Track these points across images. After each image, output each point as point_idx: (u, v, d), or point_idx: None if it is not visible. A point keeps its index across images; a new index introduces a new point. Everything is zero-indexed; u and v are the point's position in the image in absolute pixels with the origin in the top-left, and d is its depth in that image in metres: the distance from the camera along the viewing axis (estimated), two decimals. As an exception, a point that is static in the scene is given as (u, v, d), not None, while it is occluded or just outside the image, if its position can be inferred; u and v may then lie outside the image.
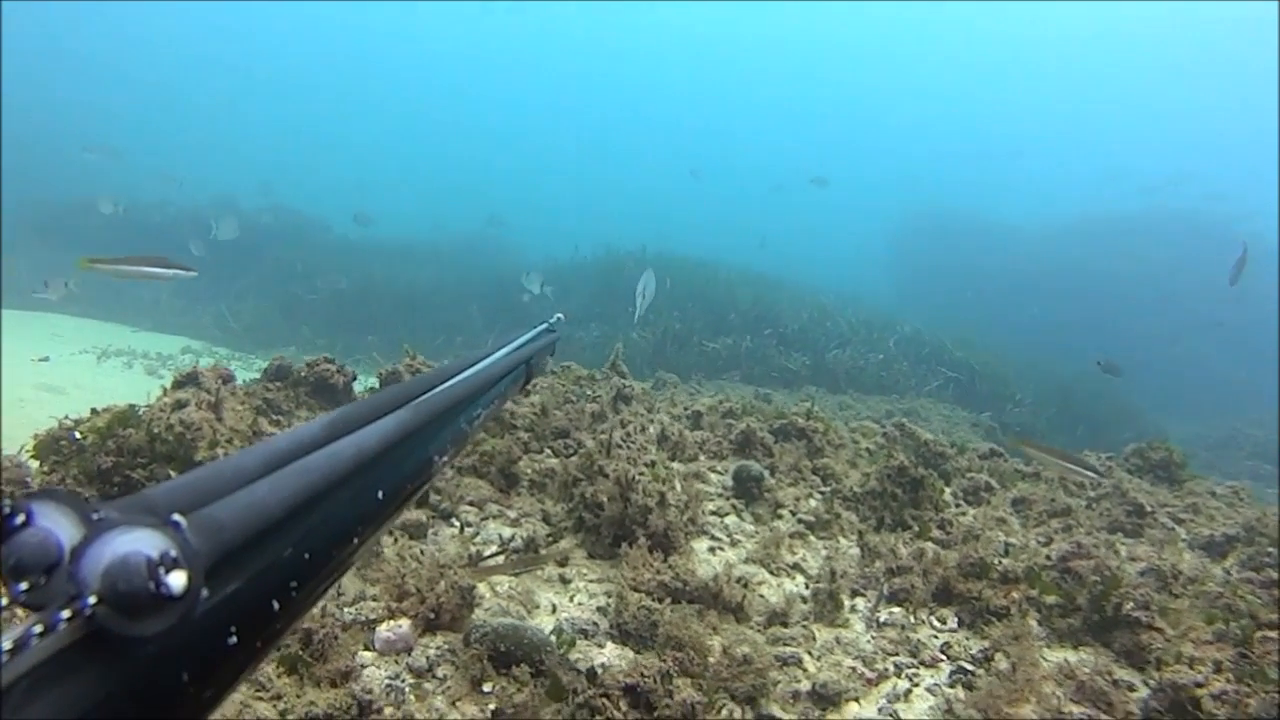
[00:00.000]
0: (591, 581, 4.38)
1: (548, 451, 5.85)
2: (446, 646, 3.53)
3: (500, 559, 4.41)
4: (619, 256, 21.39)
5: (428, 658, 3.47)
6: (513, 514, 4.99)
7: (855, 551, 5.14)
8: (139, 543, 0.51)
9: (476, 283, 21.72)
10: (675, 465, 5.91)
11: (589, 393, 7.06)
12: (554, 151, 69.15)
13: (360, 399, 1.08)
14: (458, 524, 4.75)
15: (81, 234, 22.96)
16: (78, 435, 4.30)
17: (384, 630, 3.57)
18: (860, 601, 4.59)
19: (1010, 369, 18.26)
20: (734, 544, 5.14)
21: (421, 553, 4.26)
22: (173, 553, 0.52)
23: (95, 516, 0.52)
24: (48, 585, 0.51)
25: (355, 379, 6.50)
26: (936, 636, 4.30)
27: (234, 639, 0.60)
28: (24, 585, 0.50)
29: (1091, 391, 17.49)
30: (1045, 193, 46.07)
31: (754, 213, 56.34)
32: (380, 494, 0.90)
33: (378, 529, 0.91)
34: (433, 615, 3.65)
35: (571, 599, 4.21)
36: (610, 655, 3.75)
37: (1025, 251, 30.39)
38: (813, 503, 5.80)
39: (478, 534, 4.70)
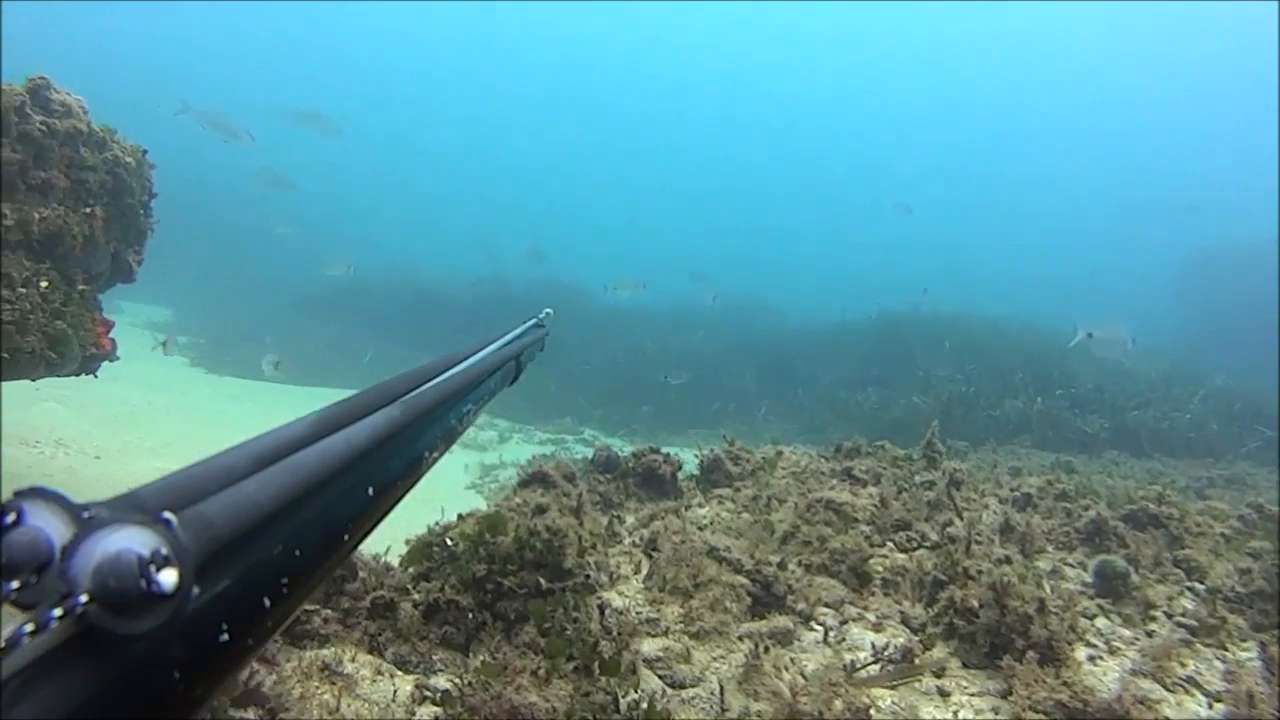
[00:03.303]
0: (972, 695, 4.15)
1: (890, 545, 5.68)
2: (847, 770, 3.42)
3: (875, 669, 4.27)
4: (892, 318, 20.92)
5: (829, 782, 3.37)
6: (872, 616, 4.84)
7: (1257, 664, 4.63)
8: (130, 540, 0.52)
9: (747, 346, 21.87)
10: (1038, 562, 5.59)
11: (917, 479, 6.83)
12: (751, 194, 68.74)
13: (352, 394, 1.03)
14: (820, 629, 4.65)
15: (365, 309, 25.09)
16: (450, 541, 4.48)
17: (779, 750, 3.51)
18: (1281, 727, 4.10)
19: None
20: (1113, 652, 4.76)
21: (792, 661, 4.21)
22: (163, 550, 0.52)
23: (86, 515, 0.53)
24: (39, 583, 0.50)
25: (681, 468, 6.57)
26: (1389, 775, 3.77)
27: (225, 636, 0.60)
28: (15, 584, 0.50)
29: None
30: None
31: (995, 251, 53.84)
32: (370, 491, 0.90)
33: (369, 526, 0.91)
34: (830, 736, 3.56)
35: (955, 715, 4.01)
36: (1018, 785, 3.52)
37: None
38: (1186, 603, 5.30)
39: (842, 640, 4.59)
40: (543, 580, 4.12)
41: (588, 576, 4.25)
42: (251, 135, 14.09)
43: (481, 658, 3.75)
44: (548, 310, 2.59)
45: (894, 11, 65.69)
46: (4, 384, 5.98)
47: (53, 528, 0.52)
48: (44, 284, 6.04)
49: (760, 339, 22.91)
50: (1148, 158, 62.10)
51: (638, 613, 4.46)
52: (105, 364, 6.99)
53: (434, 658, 3.85)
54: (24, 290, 5.84)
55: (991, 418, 15.32)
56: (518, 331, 2.10)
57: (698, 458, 6.97)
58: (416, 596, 4.13)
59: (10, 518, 0.51)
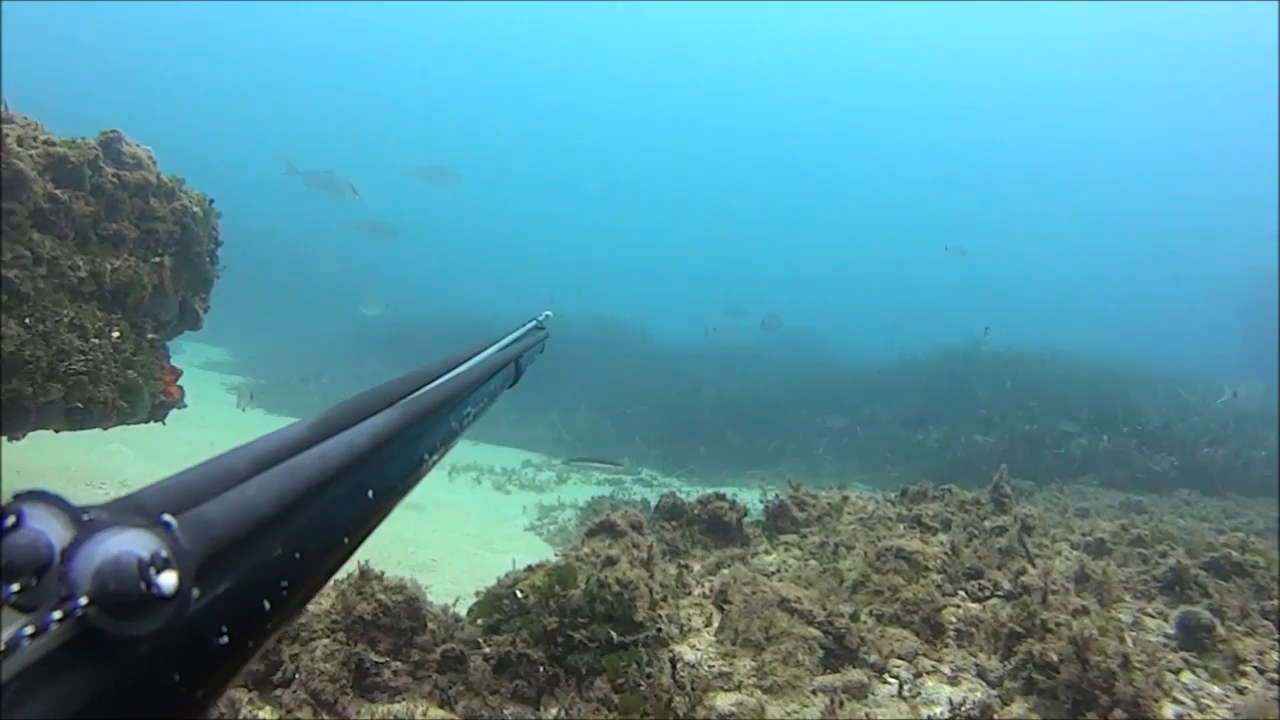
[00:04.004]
0: (1057, 755, 4.02)
1: (962, 594, 5.54)
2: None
3: (954, 726, 4.14)
4: (950, 355, 20.68)
5: None
6: (947, 669, 4.71)
7: (1357, 724, 4.42)
8: (130, 543, 0.52)
9: (802, 386, 21.70)
10: (1117, 613, 5.41)
11: (987, 524, 6.67)
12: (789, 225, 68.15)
13: (351, 398, 1.02)
14: (894, 682, 4.53)
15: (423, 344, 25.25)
16: (520, 594, 4.41)
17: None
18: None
19: None
20: (1202, 710, 4.57)
21: (868, 717, 4.10)
22: (163, 553, 0.53)
23: (86, 518, 0.53)
24: (39, 586, 0.51)
25: (746, 514, 6.49)
26: None
27: (225, 639, 0.61)
28: (15, 586, 0.50)
29: None
30: None
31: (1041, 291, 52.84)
32: (371, 493, 0.90)
33: (368, 529, 0.91)
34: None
35: (1040, 776, 3.88)
36: None
37: None
38: (1277, 657, 5.09)
39: (918, 694, 4.46)
40: (614, 634, 4.07)
41: (659, 630, 4.18)
42: (355, 190, 14.32)
43: (555, 711, 3.70)
44: (548, 312, 2.57)
45: (941, 40, 65.40)
46: (75, 433, 6.09)
47: (52, 530, 0.53)
48: (116, 334, 6.15)
49: (816, 376, 22.71)
50: (1202, 180, 60.90)
51: (710, 666, 4.38)
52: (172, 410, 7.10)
53: (505, 712, 3.81)
54: (97, 341, 5.96)
55: (1056, 456, 15.01)
56: (518, 333, 2.09)
57: (761, 502, 6.88)
58: (487, 650, 4.09)
59: (10, 520, 0.52)
